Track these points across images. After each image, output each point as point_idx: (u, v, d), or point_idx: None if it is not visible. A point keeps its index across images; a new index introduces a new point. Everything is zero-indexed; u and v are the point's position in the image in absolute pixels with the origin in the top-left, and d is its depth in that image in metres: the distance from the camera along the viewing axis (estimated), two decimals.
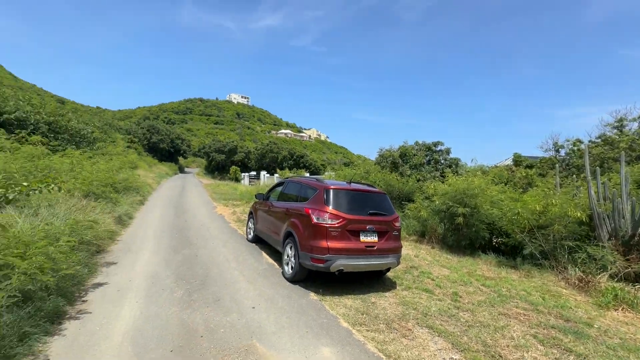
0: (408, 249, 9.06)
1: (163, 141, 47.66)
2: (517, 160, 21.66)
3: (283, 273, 5.38)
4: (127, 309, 3.85)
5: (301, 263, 4.79)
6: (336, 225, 4.60)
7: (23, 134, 10.75)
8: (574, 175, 14.16)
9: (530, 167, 20.75)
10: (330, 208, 4.73)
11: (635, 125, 17.21)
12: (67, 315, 3.60)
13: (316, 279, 5.25)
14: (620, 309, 5.22)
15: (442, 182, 10.75)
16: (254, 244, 7.56)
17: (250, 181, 34.00)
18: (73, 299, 3.97)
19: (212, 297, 4.34)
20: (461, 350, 3.37)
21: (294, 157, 49.20)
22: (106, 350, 3.00)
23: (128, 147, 32.24)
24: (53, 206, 5.66)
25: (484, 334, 3.80)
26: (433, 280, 5.90)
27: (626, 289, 5.99)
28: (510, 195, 9.75)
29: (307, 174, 28.10)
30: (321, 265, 4.54)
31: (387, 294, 4.95)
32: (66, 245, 3.93)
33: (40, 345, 2.97)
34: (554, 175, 10.16)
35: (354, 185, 5.35)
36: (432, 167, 17.20)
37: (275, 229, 5.98)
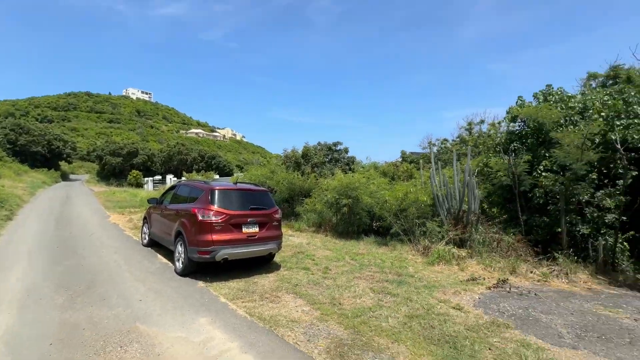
0: (304, 238, 10.31)
1: (36, 143, 39.83)
2: (403, 157, 25.66)
3: (175, 269, 5.85)
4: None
5: (189, 257, 5.38)
6: (220, 220, 5.34)
7: None
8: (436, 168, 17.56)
9: (412, 162, 24.82)
10: (214, 206, 5.44)
11: (481, 127, 22.37)
12: None
13: (207, 271, 5.88)
14: (439, 264, 7.32)
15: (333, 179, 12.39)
16: (149, 248, 7.66)
17: (154, 186, 31.49)
18: None
19: (98, 297, 4.59)
20: (312, 304, 4.53)
21: (205, 158, 47.09)
22: None
23: None
24: None
25: (335, 292, 5.07)
26: (313, 260, 7.14)
27: (452, 250, 8.28)
28: (384, 187, 11.91)
29: (217, 176, 27.60)
30: (207, 256, 5.22)
31: (269, 274, 5.92)
32: None
33: None
34: (423, 168, 12.80)
35: (239, 185, 6.15)
36: (333, 165, 19.18)
37: (168, 230, 6.35)
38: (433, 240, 9.09)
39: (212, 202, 5.49)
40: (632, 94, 9.30)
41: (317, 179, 14.29)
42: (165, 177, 32.79)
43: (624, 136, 8.68)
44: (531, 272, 7.16)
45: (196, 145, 67.93)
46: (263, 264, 6.54)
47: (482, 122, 21.12)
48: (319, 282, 5.56)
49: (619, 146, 8.56)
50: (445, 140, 23.92)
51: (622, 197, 8.53)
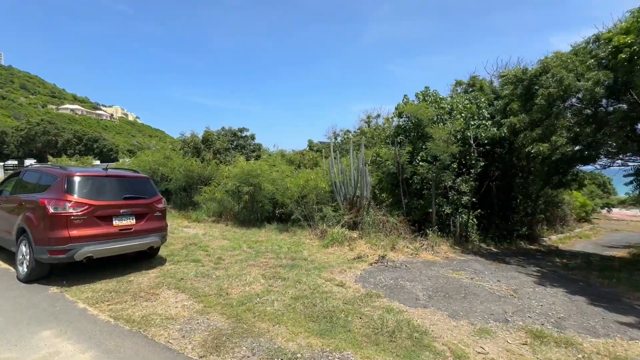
0: (201, 229, 9.65)
1: None
2: (310, 146, 26.48)
3: (17, 275, 4.69)
4: None
5: (37, 259, 4.37)
6: (80, 213, 4.47)
7: None
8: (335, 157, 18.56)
9: (318, 150, 25.84)
10: (73, 196, 4.52)
11: (377, 120, 24.68)
12: None
13: (67, 272, 4.91)
14: (333, 246, 7.83)
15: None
16: None
17: (6, 173, 24.80)
18: None
19: None
20: (196, 297, 4.25)
21: (84, 140, 39.41)
22: None
23: None
24: None
25: (224, 282, 4.88)
26: (206, 251, 6.73)
27: (346, 232, 8.94)
28: (287, 174, 12.04)
29: (98, 162, 23.47)
30: (62, 256, 4.33)
31: (150, 271, 5.31)
32: None
33: None
34: (326, 157, 13.36)
35: (110, 172, 5.26)
36: (239, 151, 18.44)
37: (7, 227, 5.03)
38: (330, 224, 9.67)
39: (69, 191, 4.54)
40: (482, 100, 11.57)
41: (218, 166, 13.49)
42: (23, 162, 26.17)
43: (476, 134, 10.77)
44: (407, 247, 8.33)
45: (72, 124, 55.96)
46: (144, 259, 5.83)
47: (379, 116, 23.36)
48: (208, 274, 5.26)
49: (472, 142, 10.59)
50: (348, 131, 25.61)
51: (473, 182, 10.64)
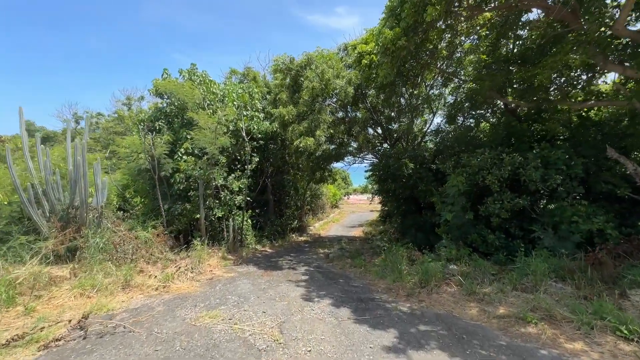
0: None
1: None
2: (29, 130, 17.61)
3: None
4: None
5: None
6: None
7: None
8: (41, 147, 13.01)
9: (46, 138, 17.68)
10: None
11: (142, 104, 19.75)
12: None
13: None
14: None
15: None
16: None
17: None
18: None
19: None
20: None
21: None
22: None
23: None
24: None
25: None
26: None
27: (41, 273, 5.14)
28: None
29: None
30: None
31: None
32: None
33: None
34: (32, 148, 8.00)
35: None
36: None
37: None
38: (20, 258, 5.52)
39: None
40: (255, 90, 10.70)
41: None
42: None
43: (249, 126, 9.65)
44: (154, 276, 5.78)
45: None
46: None
47: (143, 98, 18.65)
48: None
49: (244, 134, 9.37)
50: (100, 114, 19.02)
51: (246, 180, 9.46)
